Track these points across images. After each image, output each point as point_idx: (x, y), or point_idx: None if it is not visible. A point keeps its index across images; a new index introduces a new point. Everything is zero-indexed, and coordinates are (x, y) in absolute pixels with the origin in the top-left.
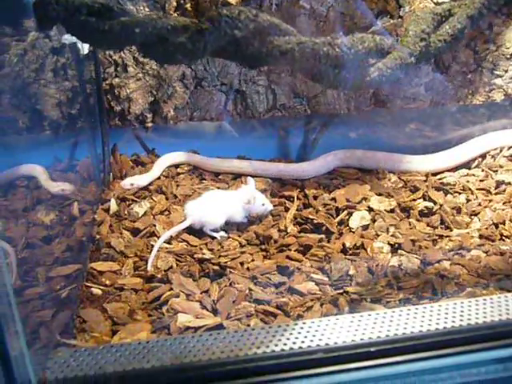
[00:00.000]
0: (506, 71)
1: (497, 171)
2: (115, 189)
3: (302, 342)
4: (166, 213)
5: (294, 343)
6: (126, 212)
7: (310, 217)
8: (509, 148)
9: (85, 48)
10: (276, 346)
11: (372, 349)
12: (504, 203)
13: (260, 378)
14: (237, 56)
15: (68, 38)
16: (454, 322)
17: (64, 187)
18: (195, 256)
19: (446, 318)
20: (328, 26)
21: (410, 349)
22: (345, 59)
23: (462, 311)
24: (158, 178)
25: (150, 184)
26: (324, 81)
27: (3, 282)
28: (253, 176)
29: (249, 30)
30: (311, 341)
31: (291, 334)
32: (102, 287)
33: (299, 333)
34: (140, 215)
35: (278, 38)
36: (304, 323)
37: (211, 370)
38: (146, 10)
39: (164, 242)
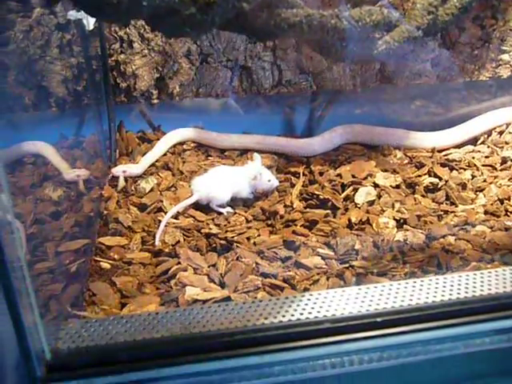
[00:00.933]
0: None
1: (502, 148)
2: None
3: (309, 312)
4: (173, 189)
5: (302, 314)
6: (132, 188)
7: (316, 192)
8: None
9: (90, 24)
10: (283, 316)
11: (378, 319)
12: (509, 179)
13: (268, 347)
14: (245, 29)
15: (73, 14)
16: (458, 293)
17: (79, 173)
18: (202, 231)
19: (451, 290)
20: (335, 1)
21: (415, 319)
22: (352, 32)
23: (466, 283)
24: (165, 154)
25: (157, 160)
26: (331, 54)
27: (16, 256)
28: (259, 151)
29: (257, 3)
30: (318, 312)
31: (298, 305)
32: (110, 261)
33: (306, 304)
34: (147, 191)
35: (286, 10)
36: (311, 295)
37: (220, 340)
38: None
39: (171, 218)
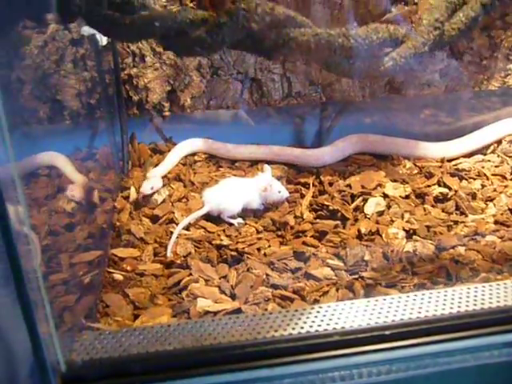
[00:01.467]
0: None
1: None
2: (134, 177)
3: (319, 325)
4: (184, 200)
5: (311, 327)
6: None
7: (326, 203)
8: None
9: (103, 39)
10: (293, 329)
11: (387, 332)
12: None
13: (278, 360)
14: (254, 48)
15: (87, 30)
16: (467, 305)
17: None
18: (213, 242)
19: (459, 302)
20: (343, 15)
21: (424, 332)
22: (359, 50)
23: (475, 295)
24: (176, 165)
25: (169, 172)
26: (339, 71)
27: (32, 267)
28: (270, 162)
29: (265, 23)
30: (328, 324)
31: (308, 317)
32: (123, 273)
33: (316, 317)
34: (159, 202)
35: (294, 29)
36: (320, 307)
37: (231, 352)
38: (163, 1)
39: (182, 229)
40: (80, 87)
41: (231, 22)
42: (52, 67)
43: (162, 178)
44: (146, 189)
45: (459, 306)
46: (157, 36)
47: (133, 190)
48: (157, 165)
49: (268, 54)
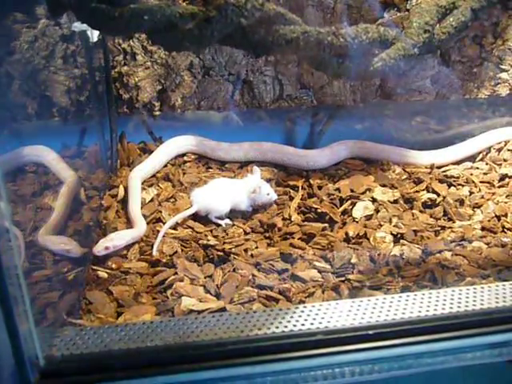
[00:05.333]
0: None
1: (501, 165)
2: (122, 176)
3: (303, 324)
4: (172, 200)
5: (295, 326)
6: None
7: (314, 206)
8: None
9: (94, 36)
10: (277, 328)
11: (370, 332)
12: (507, 196)
13: (260, 358)
14: (243, 44)
15: (78, 26)
16: (451, 307)
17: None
18: (200, 242)
19: (443, 304)
20: (335, 18)
21: (407, 332)
22: (349, 49)
23: (459, 298)
24: (165, 165)
25: (158, 172)
26: (328, 70)
27: (13, 263)
28: (260, 163)
29: (255, 19)
30: (311, 324)
31: (292, 317)
32: (107, 270)
33: (300, 316)
34: (147, 201)
35: (284, 27)
36: (305, 307)
37: (213, 350)
38: None
39: (169, 228)
40: (70, 84)
41: (220, 17)
42: (41, 63)
43: (150, 177)
44: (99, 248)
45: (443, 308)
46: (146, 30)
47: (121, 188)
48: None
49: (257, 50)
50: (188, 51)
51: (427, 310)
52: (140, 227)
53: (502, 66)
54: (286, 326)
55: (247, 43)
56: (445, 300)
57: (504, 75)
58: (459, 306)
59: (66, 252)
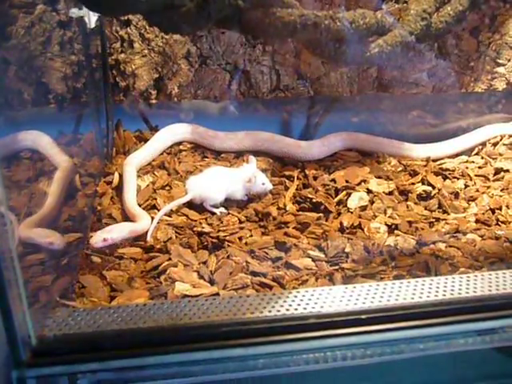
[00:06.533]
0: (509, 60)
1: (496, 159)
2: (118, 164)
3: (295, 309)
4: (167, 188)
5: (288, 310)
6: None
7: (309, 196)
8: (509, 136)
9: (91, 22)
10: (270, 311)
11: (363, 316)
12: (502, 190)
13: (252, 340)
14: (240, 26)
15: (75, 12)
16: (444, 294)
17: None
18: (194, 229)
19: (436, 291)
20: (333, 8)
21: (399, 317)
22: (345, 33)
23: (452, 285)
24: (161, 154)
25: (153, 160)
26: (325, 54)
27: (8, 247)
28: (256, 153)
29: (252, 1)
30: (304, 308)
31: (285, 301)
32: (101, 255)
33: (293, 300)
34: (142, 189)
35: (281, 9)
36: (298, 292)
37: (205, 331)
38: None
39: (164, 215)
40: (66, 70)
41: None
42: (38, 49)
43: (146, 165)
44: (97, 240)
45: (436, 295)
46: (142, 9)
47: (116, 175)
48: None
49: (253, 33)
50: (185, 33)
51: (420, 297)
52: (143, 222)
53: (499, 61)
54: (278, 310)
55: (244, 26)
56: (438, 287)
57: (501, 69)
58: (452, 293)
59: (49, 244)
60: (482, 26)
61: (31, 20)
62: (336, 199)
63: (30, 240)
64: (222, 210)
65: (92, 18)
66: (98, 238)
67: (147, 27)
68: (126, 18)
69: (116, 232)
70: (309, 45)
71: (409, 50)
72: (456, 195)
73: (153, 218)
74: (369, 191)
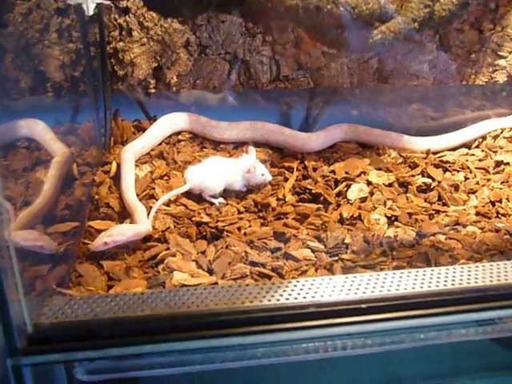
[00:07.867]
0: (511, 53)
1: (496, 152)
2: (116, 153)
3: (295, 298)
4: (166, 178)
5: (287, 299)
6: None
7: (309, 187)
8: (510, 130)
9: (90, 10)
10: (269, 300)
11: (363, 305)
12: (502, 182)
13: (251, 329)
14: (241, 10)
15: None
16: (445, 284)
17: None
18: (193, 219)
19: (438, 282)
20: None
21: (400, 307)
22: (348, 19)
23: (453, 275)
24: (160, 144)
25: (152, 150)
26: (326, 40)
27: (3, 236)
28: (255, 144)
29: None
30: (304, 297)
31: (284, 290)
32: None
33: (292, 290)
34: (140, 178)
35: None
36: (298, 281)
37: (204, 320)
38: None
39: (163, 205)
40: (64, 59)
41: None
42: (35, 36)
43: (145, 155)
44: (98, 244)
45: (437, 285)
46: None
47: (114, 164)
48: None
49: (255, 16)
50: (184, 17)
51: (421, 286)
52: (143, 225)
53: (501, 53)
54: (278, 299)
55: (246, 10)
56: (439, 277)
57: (502, 62)
58: (453, 283)
59: (39, 248)
60: (483, 17)
61: (28, 7)
62: (335, 190)
63: (17, 244)
64: (221, 200)
65: (90, 6)
66: (99, 242)
67: (146, 15)
68: (125, 5)
69: (117, 235)
70: (310, 30)
71: (410, 40)
72: (456, 188)
73: (151, 208)
74: (369, 183)
